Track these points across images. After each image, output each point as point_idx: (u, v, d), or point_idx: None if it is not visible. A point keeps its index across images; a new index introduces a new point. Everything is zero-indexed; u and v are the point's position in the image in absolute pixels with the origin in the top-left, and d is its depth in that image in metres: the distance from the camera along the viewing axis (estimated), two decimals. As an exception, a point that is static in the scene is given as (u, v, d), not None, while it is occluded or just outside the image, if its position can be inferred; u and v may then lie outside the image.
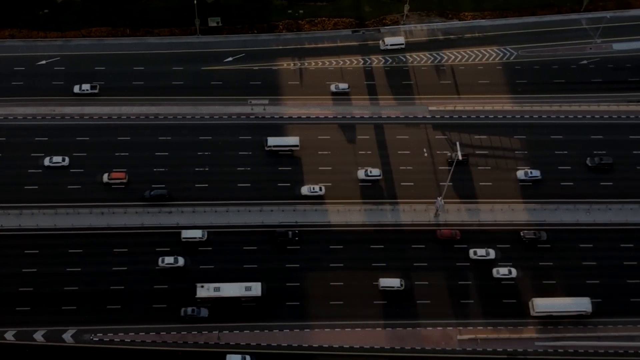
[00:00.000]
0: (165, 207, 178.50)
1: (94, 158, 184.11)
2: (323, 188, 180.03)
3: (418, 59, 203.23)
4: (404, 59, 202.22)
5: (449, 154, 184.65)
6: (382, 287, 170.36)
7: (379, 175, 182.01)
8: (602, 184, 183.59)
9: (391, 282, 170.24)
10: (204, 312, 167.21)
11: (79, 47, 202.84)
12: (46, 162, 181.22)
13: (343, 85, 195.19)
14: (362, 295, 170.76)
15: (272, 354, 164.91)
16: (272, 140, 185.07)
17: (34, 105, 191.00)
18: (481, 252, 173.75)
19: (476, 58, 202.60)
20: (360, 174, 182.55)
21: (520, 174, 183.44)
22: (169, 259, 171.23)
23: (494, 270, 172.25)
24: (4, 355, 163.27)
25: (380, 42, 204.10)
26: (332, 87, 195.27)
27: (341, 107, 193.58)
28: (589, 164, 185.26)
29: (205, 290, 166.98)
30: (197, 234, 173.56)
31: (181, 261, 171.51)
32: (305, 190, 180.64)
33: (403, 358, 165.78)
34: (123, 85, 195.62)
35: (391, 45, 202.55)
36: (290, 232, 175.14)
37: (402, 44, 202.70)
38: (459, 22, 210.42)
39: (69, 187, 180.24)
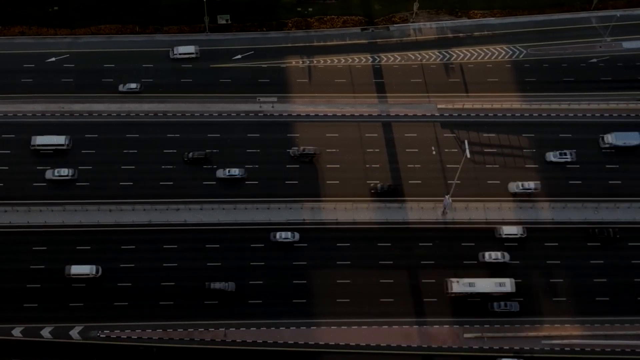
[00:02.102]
0: (173, 205, 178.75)
1: (103, 155, 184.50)
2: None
3: (427, 57, 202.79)
4: (413, 57, 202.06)
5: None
6: None
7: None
8: (610, 182, 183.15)
9: None
10: None
11: (88, 44, 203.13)
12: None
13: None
14: (369, 293, 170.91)
15: (278, 351, 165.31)
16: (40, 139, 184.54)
17: (43, 102, 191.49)
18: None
19: (485, 56, 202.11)
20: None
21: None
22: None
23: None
24: (11, 352, 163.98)
25: (170, 50, 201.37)
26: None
27: (349, 105, 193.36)
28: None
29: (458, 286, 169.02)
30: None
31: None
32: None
33: (409, 356, 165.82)
34: (132, 82, 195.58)
35: (180, 54, 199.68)
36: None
37: (193, 54, 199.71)
38: (468, 21, 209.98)
39: (77, 184, 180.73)
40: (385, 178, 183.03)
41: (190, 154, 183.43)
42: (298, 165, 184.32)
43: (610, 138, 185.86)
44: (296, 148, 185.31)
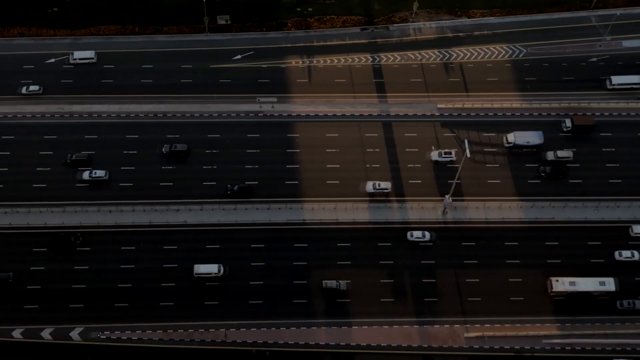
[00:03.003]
0: (172, 205, 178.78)
1: (103, 156, 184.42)
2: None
3: (427, 56, 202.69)
4: (412, 57, 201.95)
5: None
6: None
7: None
8: (610, 181, 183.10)
9: None
10: None
11: (88, 45, 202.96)
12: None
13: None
14: (370, 293, 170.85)
15: (278, 351, 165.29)
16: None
17: (43, 104, 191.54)
18: None
19: (485, 56, 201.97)
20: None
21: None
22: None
23: None
24: (12, 353, 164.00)
25: (70, 55, 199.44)
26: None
27: (349, 105, 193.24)
28: None
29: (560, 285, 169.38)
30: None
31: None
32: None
33: (410, 355, 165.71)
34: (132, 83, 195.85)
35: (80, 59, 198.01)
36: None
37: (92, 58, 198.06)
38: (468, 20, 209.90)
39: (77, 185, 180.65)
40: (386, 178, 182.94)
41: (74, 156, 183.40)
42: (298, 166, 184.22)
43: (512, 137, 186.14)
44: (168, 145, 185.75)
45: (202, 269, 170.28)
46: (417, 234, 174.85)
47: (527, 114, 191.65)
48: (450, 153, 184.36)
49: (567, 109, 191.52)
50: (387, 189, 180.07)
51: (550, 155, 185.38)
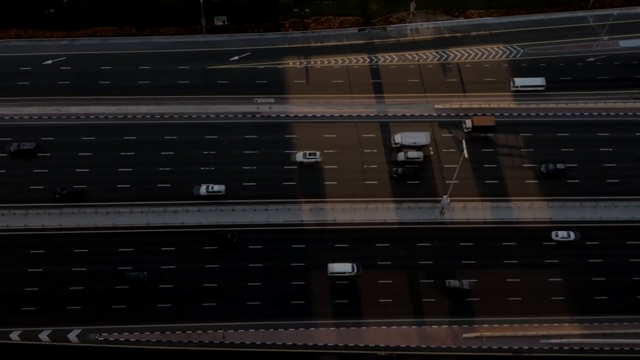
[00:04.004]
0: (170, 207, 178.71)
1: (100, 157, 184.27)
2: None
3: (424, 57, 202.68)
4: (410, 57, 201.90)
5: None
6: None
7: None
8: (608, 181, 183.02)
9: None
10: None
11: (85, 46, 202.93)
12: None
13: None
14: (367, 294, 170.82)
15: (276, 352, 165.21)
16: None
17: (40, 105, 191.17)
18: None
19: (482, 56, 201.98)
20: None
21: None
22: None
23: None
24: (9, 355, 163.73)
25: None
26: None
27: (347, 106, 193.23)
28: None
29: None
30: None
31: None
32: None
33: (408, 356, 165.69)
34: (129, 84, 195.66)
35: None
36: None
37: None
38: (465, 20, 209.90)
39: (74, 186, 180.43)
40: (384, 178, 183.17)
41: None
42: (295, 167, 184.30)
43: (398, 138, 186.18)
44: (16, 144, 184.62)
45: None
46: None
47: (525, 114, 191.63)
48: (314, 154, 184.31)
49: (565, 109, 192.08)
50: None
51: (401, 156, 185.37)
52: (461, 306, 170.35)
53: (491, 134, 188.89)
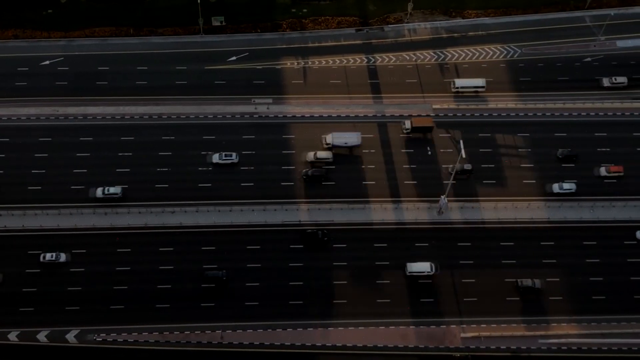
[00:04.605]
0: (168, 207, 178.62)
1: (98, 158, 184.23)
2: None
3: (422, 57, 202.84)
4: (408, 58, 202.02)
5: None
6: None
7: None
8: (606, 181, 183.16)
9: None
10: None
11: (83, 47, 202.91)
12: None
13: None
14: (366, 294, 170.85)
15: (275, 353, 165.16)
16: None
17: (38, 106, 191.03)
18: None
19: (480, 56, 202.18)
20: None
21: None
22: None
23: None
24: (7, 356, 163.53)
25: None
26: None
27: (344, 106, 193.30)
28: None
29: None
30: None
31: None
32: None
33: (406, 356, 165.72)
34: (126, 85, 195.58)
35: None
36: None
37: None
38: (463, 20, 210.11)
39: (72, 187, 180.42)
40: (381, 178, 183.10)
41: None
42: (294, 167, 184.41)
43: (329, 138, 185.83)
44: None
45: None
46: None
47: (522, 114, 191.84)
48: (230, 155, 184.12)
49: (562, 110, 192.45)
50: None
51: (310, 157, 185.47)
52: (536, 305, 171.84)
53: (429, 134, 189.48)
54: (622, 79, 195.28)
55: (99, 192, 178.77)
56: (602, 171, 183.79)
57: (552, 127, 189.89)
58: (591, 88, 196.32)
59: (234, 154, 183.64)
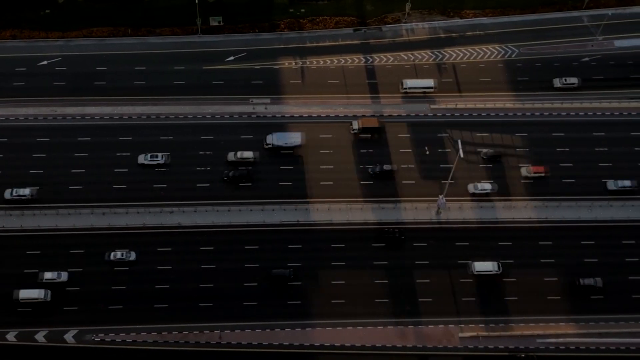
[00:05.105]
0: (166, 207, 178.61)
1: (96, 158, 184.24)
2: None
3: (420, 57, 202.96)
4: (405, 58, 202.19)
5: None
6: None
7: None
8: (603, 180, 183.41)
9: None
10: None
11: (81, 47, 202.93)
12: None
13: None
14: (364, 294, 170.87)
15: (273, 353, 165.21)
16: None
17: (35, 106, 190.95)
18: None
19: (477, 56, 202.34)
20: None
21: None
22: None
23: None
24: (5, 356, 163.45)
25: None
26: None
27: (343, 106, 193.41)
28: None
29: None
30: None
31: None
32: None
33: (404, 356, 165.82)
34: (124, 85, 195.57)
35: None
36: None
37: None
38: (461, 20, 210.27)
39: (70, 187, 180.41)
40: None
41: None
42: (292, 167, 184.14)
43: (270, 138, 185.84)
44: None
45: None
46: None
47: (520, 113, 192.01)
48: (156, 156, 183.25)
49: (552, 109, 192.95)
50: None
51: (231, 156, 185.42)
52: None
53: (376, 135, 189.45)
54: (573, 80, 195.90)
55: None
56: (524, 172, 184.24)
57: (550, 127, 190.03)
58: (589, 88, 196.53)
59: (160, 155, 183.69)
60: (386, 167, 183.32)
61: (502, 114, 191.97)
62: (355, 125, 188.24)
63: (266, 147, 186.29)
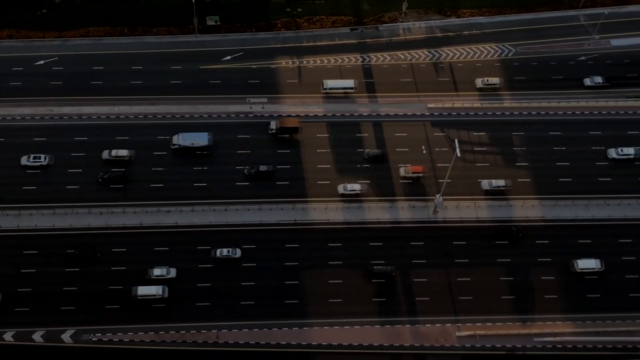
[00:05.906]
0: (164, 207, 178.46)
1: (93, 158, 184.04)
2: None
3: (417, 56, 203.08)
4: (402, 57, 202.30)
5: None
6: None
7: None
8: (600, 179, 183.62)
9: None
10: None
11: (77, 46, 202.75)
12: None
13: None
14: (360, 293, 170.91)
15: (271, 352, 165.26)
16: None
17: (32, 106, 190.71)
18: None
19: (474, 55, 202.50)
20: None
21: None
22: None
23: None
24: (3, 356, 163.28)
25: None
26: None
27: (339, 105, 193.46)
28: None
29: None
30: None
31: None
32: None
33: (402, 355, 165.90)
34: (121, 84, 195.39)
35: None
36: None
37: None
38: (457, 20, 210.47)
39: (67, 187, 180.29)
40: (379, 177, 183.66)
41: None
42: (291, 166, 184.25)
43: (178, 138, 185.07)
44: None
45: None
46: None
47: (517, 112, 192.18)
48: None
49: (549, 108, 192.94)
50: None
51: (105, 155, 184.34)
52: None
53: (296, 135, 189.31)
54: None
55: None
56: (402, 171, 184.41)
57: (547, 126, 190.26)
58: (585, 87, 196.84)
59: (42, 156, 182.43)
60: (262, 167, 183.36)
61: (499, 112, 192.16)
62: (273, 125, 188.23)
63: (172, 147, 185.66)
